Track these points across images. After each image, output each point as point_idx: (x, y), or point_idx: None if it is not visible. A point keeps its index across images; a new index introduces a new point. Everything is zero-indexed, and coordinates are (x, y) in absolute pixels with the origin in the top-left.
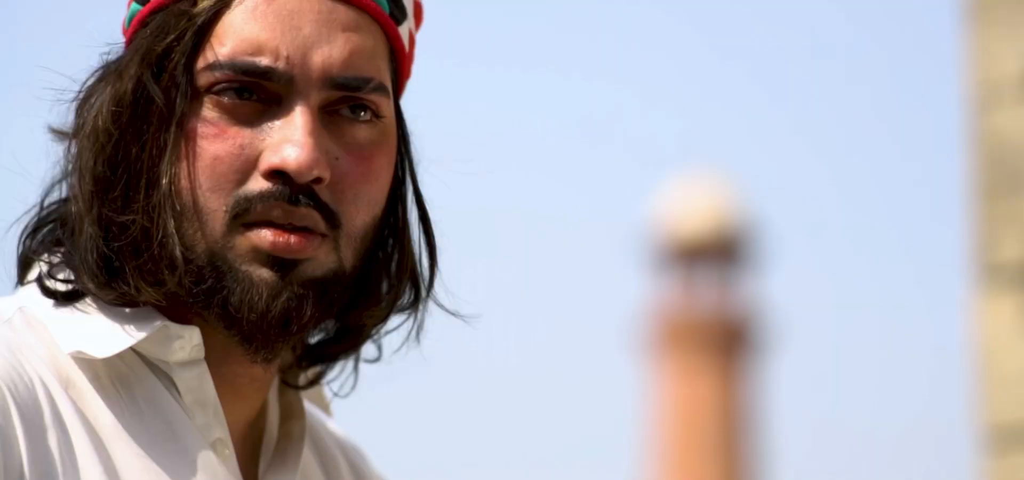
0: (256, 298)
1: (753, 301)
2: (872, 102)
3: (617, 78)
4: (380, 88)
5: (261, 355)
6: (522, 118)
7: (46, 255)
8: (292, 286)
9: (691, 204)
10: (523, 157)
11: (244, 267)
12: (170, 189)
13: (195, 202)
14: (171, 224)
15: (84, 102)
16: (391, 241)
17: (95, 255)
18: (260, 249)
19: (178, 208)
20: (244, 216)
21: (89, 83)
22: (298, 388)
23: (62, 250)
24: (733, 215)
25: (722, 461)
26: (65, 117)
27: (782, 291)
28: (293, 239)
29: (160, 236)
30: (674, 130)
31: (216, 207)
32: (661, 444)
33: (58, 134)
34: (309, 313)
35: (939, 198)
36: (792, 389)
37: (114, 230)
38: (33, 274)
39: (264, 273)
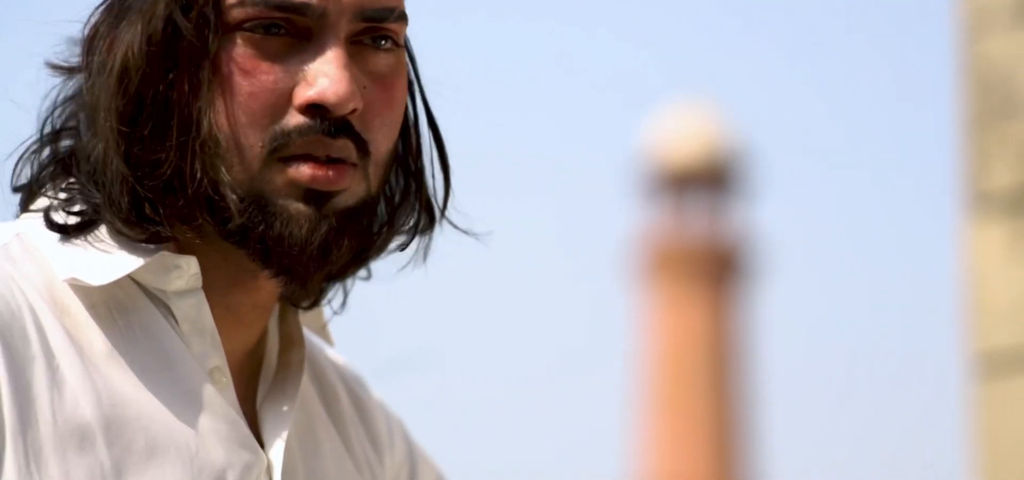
0: (297, 231)
1: (743, 229)
2: (863, 28)
3: (604, 7)
4: (401, 17)
5: (297, 287)
6: (511, 53)
7: (51, 187)
8: (329, 218)
9: (681, 132)
10: (513, 90)
11: (282, 201)
12: (206, 127)
13: (232, 139)
14: (208, 162)
15: (94, 38)
16: (406, 164)
17: (125, 194)
18: (299, 184)
19: (214, 146)
20: (282, 151)
21: (95, 19)
22: (299, 307)
23: (71, 183)
24: (723, 143)
25: (712, 388)
26: (62, 51)
27: (772, 218)
28: (331, 172)
29: (196, 175)
30: (664, 59)
31: (253, 143)
32: (652, 371)
33: (60, 70)
34: (346, 243)
35: (930, 126)
36: (782, 316)
37: (144, 169)
38: (38, 204)
39: (302, 207)
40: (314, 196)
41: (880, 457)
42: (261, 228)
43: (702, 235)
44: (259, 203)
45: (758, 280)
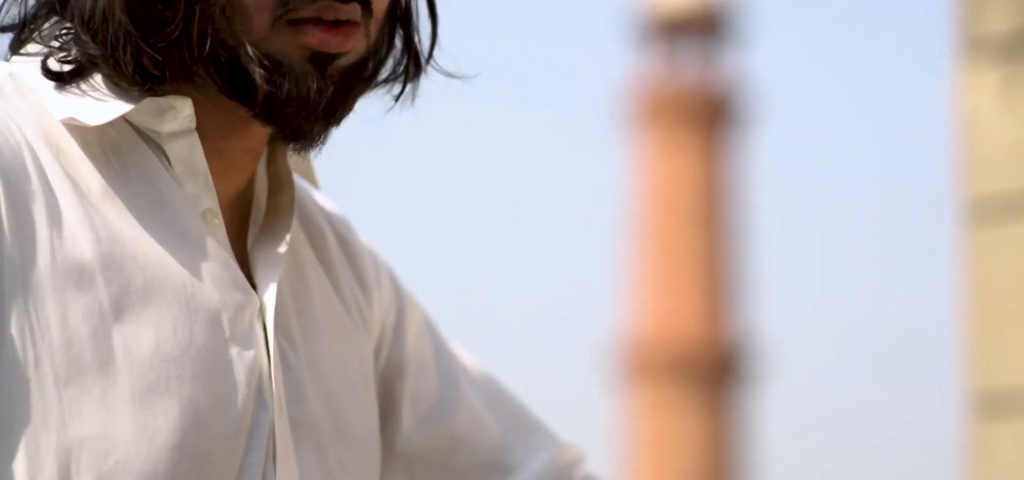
0: (305, 92)
1: (735, 75)
2: None
3: None
4: None
5: (304, 143)
6: None
7: (42, 32)
8: (334, 78)
9: None
10: None
11: (290, 62)
12: None
13: (241, 1)
14: (216, 23)
15: None
16: (395, 12)
17: (128, 50)
18: (308, 46)
19: (223, 7)
20: (291, 13)
21: None
22: (300, 153)
23: (65, 31)
24: None
25: (704, 235)
26: None
27: (764, 64)
28: (340, 36)
29: (206, 35)
30: None
31: (263, 5)
32: (643, 219)
33: None
34: (351, 101)
35: None
36: (774, 162)
37: (149, 27)
38: (30, 50)
39: (309, 68)
40: (321, 58)
41: (869, 301)
42: (268, 88)
43: (694, 81)
44: (267, 64)
45: (750, 126)
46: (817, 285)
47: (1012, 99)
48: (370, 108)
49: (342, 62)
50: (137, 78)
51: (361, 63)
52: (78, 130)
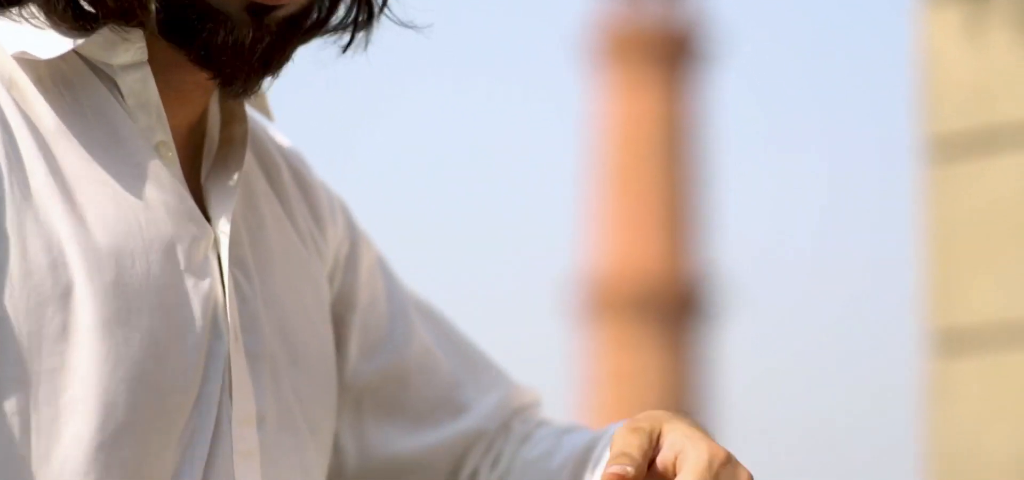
0: (240, 40)
1: (698, 12)
2: None
3: None
4: None
5: (237, 90)
6: None
7: None
8: (272, 28)
9: None
10: None
11: (227, 10)
12: None
13: None
14: None
15: None
16: None
17: None
18: None
19: None
20: None
21: None
22: (240, 97)
23: None
24: None
25: (665, 171)
26: None
27: (727, 1)
28: None
29: None
30: None
31: None
32: (604, 155)
33: None
34: (289, 51)
35: None
36: (736, 99)
37: None
38: None
39: (246, 18)
40: (258, 8)
41: (831, 239)
42: (205, 34)
43: (657, 19)
44: (204, 11)
45: (713, 64)
46: (779, 223)
47: (974, 37)
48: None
49: (281, 13)
50: (70, 14)
51: (303, 13)
52: (30, 64)
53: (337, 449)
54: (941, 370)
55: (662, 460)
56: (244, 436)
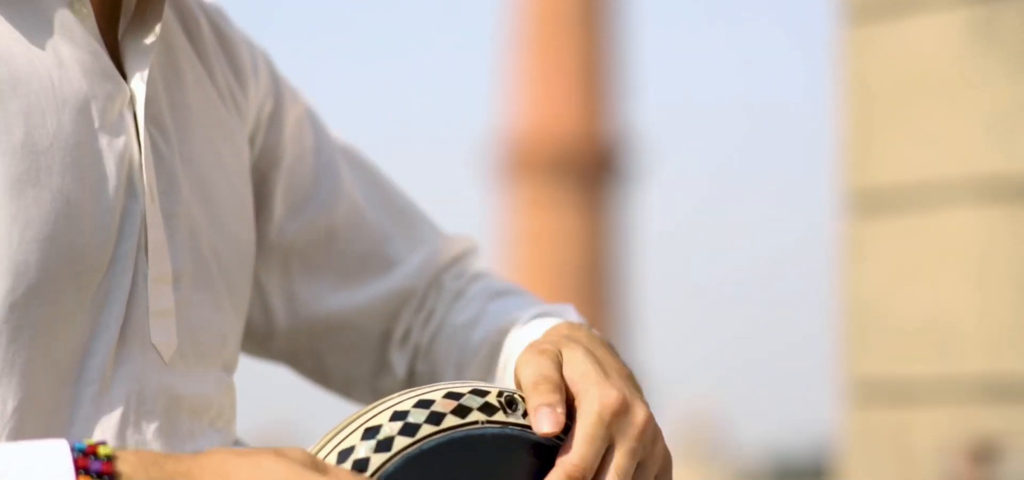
0: None
1: None
2: None
3: None
4: None
5: None
6: None
7: None
8: None
9: None
10: None
11: None
12: None
13: None
14: None
15: None
16: None
17: None
18: None
19: None
20: None
21: None
22: None
23: None
24: None
25: (582, 31)
26: None
27: None
28: None
29: None
30: None
31: None
32: (521, 13)
33: None
34: None
35: None
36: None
37: None
38: None
39: None
40: None
41: (749, 96)
42: None
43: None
44: None
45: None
46: (697, 83)
47: None
48: None
49: None
50: None
51: None
52: None
53: (267, 308)
54: (856, 229)
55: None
56: (160, 295)
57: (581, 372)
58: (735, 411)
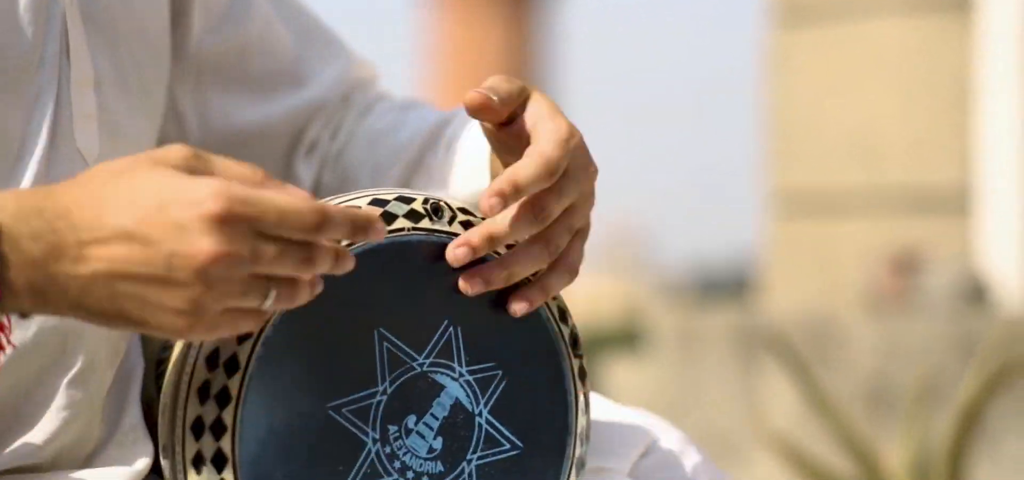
0: None
1: None
2: None
3: None
4: None
5: None
6: None
7: None
8: None
9: None
10: None
11: None
12: None
13: None
14: None
15: None
16: None
17: None
18: None
19: None
20: None
21: None
22: None
23: None
24: None
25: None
26: None
27: None
28: None
29: None
30: None
31: None
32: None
33: None
34: None
35: None
36: None
37: None
38: None
39: None
40: None
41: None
42: None
43: None
44: None
45: None
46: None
47: None
48: None
49: None
50: None
51: None
52: None
53: (179, 118)
54: (782, 41)
55: (520, 123)
56: (82, 98)
57: (550, 108)
58: (659, 225)
